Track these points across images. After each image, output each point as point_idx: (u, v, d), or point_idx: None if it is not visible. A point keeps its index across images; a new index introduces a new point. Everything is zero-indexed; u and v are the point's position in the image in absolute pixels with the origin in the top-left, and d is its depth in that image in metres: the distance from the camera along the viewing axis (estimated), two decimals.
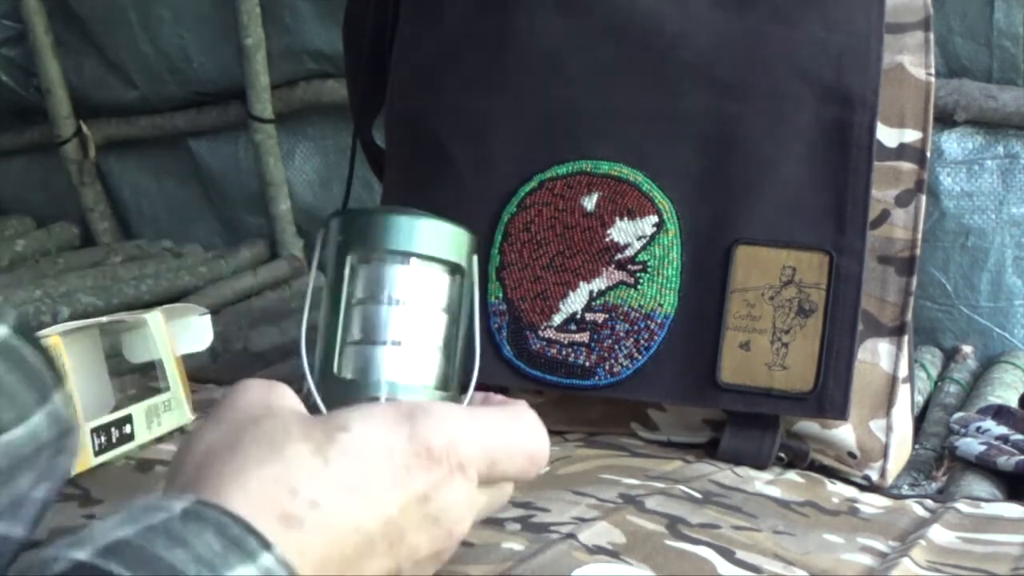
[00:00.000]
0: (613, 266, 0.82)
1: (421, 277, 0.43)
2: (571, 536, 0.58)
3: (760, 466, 0.79)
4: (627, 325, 0.81)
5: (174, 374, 0.82)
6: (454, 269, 0.44)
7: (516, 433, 0.43)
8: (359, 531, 0.35)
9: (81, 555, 0.29)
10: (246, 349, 1.29)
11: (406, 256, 0.43)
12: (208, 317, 0.91)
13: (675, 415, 0.84)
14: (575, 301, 0.83)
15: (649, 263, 0.82)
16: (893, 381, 0.82)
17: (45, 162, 1.94)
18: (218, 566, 0.30)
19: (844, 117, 0.81)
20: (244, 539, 0.31)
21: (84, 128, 1.86)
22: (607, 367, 0.81)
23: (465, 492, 0.39)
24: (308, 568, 0.33)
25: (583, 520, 0.61)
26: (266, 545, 0.31)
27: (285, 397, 0.41)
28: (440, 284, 0.44)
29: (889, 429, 0.81)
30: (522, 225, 0.84)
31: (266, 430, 0.36)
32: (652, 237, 0.82)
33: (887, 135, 0.83)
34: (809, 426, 0.81)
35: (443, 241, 0.43)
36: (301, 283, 1.71)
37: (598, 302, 0.82)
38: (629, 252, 0.82)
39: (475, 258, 0.46)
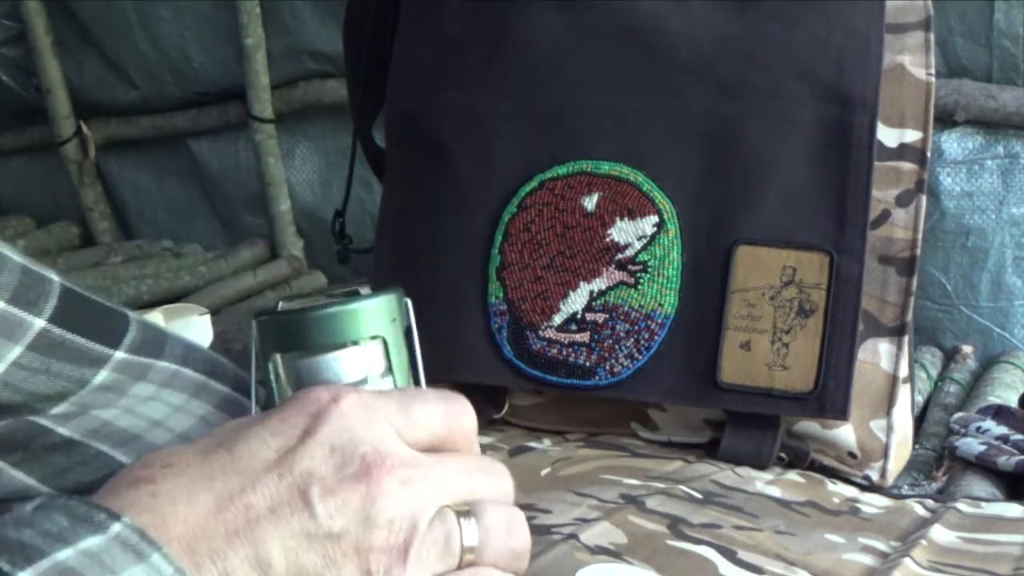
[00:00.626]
0: (613, 266, 0.82)
1: (348, 360, 0.42)
2: (573, 537, 0.58)
3: (761, 466, 0.79)
4: (627, 325, 0.81)
5: None
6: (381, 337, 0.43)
7: (416, 391, 0.41)
8: (222, 470, 0.34)
9: None
10: (246, 349, 1.29)
11: (327, 349, 0.42)
12: (208, 317, 0.91)
13: (675, 415, 0.84)
14: (575, 301, 0.83)
15: (649, 263, 0.82)
16: (893, 381, 0.82)
17: (45, 162, 1.94)
18: (67, 538, 0.31)
19: (844, 117, 0.81)
20: (91, 513, 0.32)
21: (84, 128, 1.86)
22: (607, 367, 0.81)
23: (376, 423, 0.37)
24: (165, 519, 0.33)
25: (585, 521, 0.61)
26: (114, 516, 0.32)
27: None
28: (369, 356, 0.43)
29: (889, 429, 0.81)
30: (522, 225, 0.84)
31: None
32: (652, 237, 0.82)
33: (887, 135, 0.83)
34: (809, 426, 0.81)
35: (358, 322, 0.42)
36: (301, 283, 1.71)
37: (598, 302, 0.82)
38: (629, 252, 0.82)
39: (408, 308, 0.44)
